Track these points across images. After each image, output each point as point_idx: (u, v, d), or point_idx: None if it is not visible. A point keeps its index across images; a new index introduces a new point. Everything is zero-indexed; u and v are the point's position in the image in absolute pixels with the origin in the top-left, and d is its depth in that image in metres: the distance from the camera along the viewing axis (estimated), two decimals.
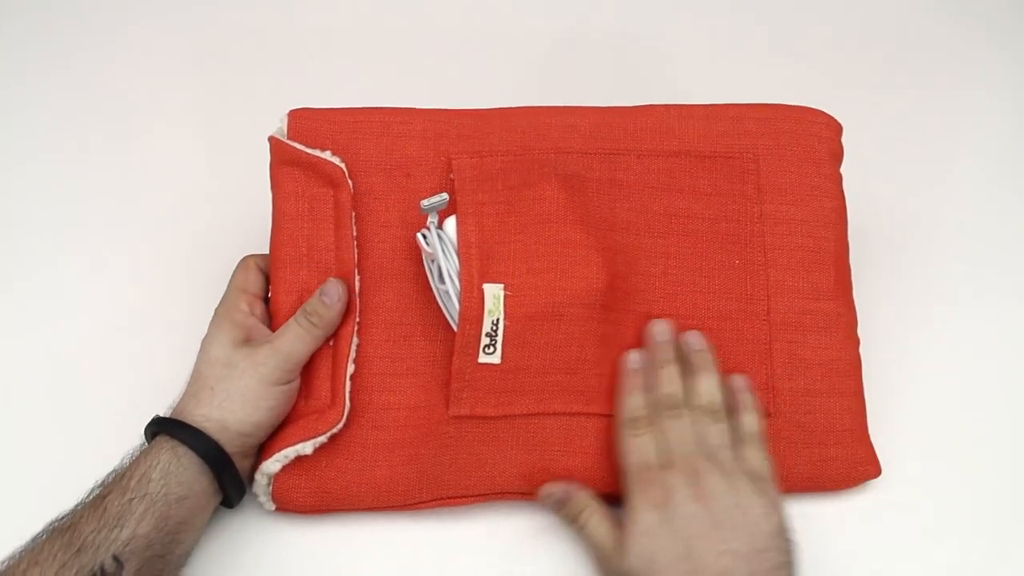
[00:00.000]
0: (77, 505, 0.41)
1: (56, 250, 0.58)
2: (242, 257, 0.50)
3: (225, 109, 0.64)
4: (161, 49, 0.67)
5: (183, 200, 0.60)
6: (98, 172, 0.61)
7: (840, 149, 0.53)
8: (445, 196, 0.46)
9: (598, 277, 0.47)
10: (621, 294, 0.48)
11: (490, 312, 0.46)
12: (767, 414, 0.47)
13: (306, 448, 0.45)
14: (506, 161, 0.49)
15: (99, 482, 0.42)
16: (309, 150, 0.49)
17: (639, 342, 0.49)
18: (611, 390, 0.47)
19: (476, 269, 0.46)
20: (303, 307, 0.46)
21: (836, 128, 0.53)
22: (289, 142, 0.50)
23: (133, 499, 0.40)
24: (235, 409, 0.43)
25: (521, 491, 0.46)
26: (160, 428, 0.43)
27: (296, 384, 0.46)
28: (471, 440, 0.47)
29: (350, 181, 0.49)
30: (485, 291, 0.46)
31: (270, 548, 0.47)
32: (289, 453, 0.45)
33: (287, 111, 0.51)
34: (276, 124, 0.51)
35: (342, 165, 0.49)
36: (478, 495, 0.46)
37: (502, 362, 0.46)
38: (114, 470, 0.43)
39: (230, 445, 0.43)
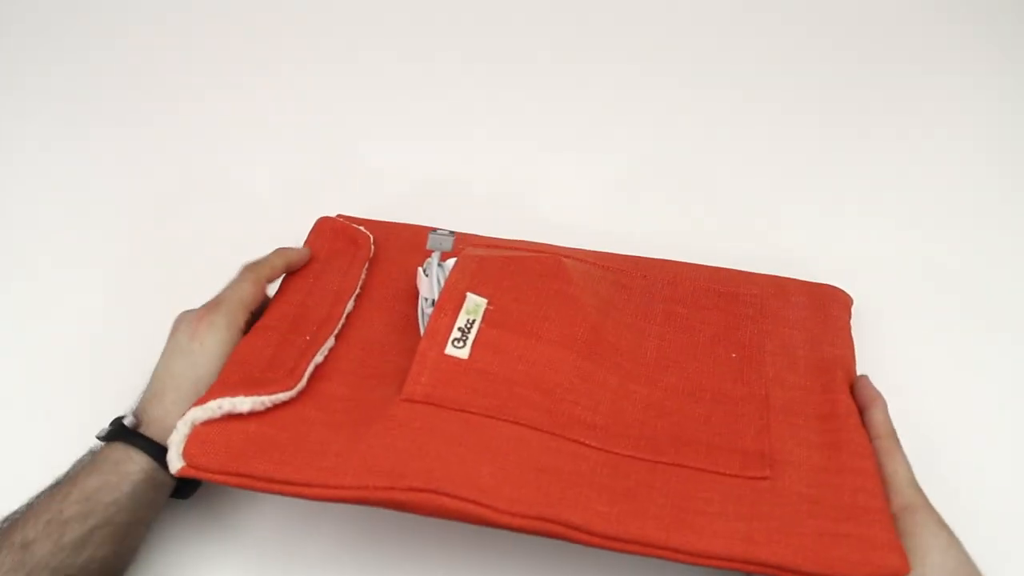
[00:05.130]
0: (25, 509, 0.40)
1: (40, 250, 0.61)
2: (241, 266, 0.50)
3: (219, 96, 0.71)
4: (156, 46, 0.75)
5: (179, 197, 0.64)
6: (95, 167, 0.66)
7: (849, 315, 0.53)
8: (453, 233, 0.50)
9: (585, 318, 0.47)
10: (609, 348, 0.48)
11: (468, 312, 0.45)
12: (763, 478, 0.42)
13: (243, 405, 0.41)
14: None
15: (47, 488, 0.41)
16: (348, 223, 0.56)
17: (622, 392, 0.46)
18: (581, 422, 0.43)
19: (465, 282, 0.47)
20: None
21: (848, 302, 0.54)
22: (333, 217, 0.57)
23: (91, 523, 0.39)
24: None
25: (461, 496, 0.38)
26: (116, 436, 0.43)
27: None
28: (417, 428, 0.41)
29: (372, 247, 0.55)
30: (468, 297, 0.46)
31: None
32: (223, 404, 0.41)
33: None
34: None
35: (369, 234, 0.55)
36: (411, 489, 0.38)
37: (469, 359, 0.44)
38: (62, 478, 0.41)
39: None
